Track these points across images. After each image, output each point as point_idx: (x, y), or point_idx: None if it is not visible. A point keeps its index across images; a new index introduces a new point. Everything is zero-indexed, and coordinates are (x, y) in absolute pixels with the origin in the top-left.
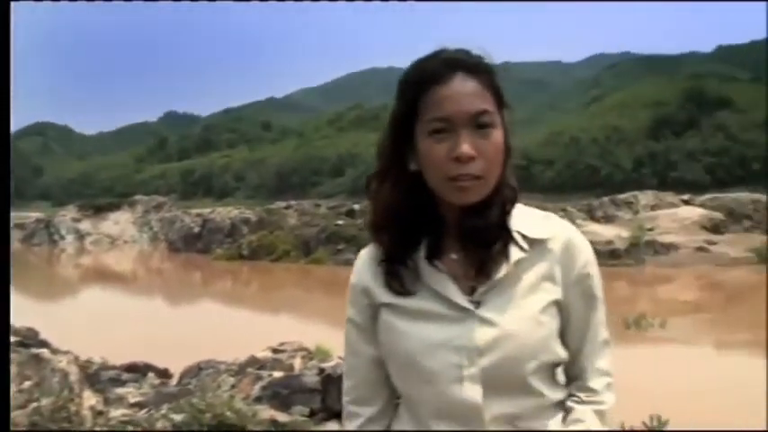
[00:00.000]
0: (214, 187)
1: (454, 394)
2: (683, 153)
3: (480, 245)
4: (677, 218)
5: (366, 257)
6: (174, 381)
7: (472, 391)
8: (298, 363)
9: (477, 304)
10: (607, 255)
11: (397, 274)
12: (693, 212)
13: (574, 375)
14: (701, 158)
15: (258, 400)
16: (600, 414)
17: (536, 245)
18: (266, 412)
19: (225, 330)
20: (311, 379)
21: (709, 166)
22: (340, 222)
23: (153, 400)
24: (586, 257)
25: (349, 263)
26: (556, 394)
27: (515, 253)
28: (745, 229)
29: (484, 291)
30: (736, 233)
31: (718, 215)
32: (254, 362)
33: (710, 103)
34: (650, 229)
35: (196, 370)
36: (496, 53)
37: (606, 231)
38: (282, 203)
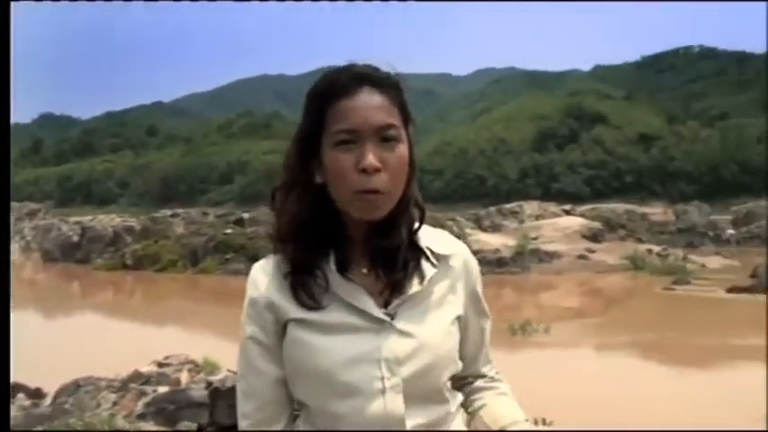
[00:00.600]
0: (94, 194)
1: (377, 407)
2: (565, 165)
3: (391, 263)
4: (559, 227)
5: (267, 270)
6: (47, 401)
7: (395, 402)
8: (184, 376)
9: (392, 317)
10: (494, 263)
11: (306, 286)
12: (574, 222)
13: (469, 378)
14: (580, 171)
15: (142, 417)
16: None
17: (442, 261)
18: (150, 429)
19: (106, 344)
20: (199, 393)
21: (588, 179)
22: (229, 231)
23: (23, 423)
24: (478, 274)
25: (238, 272)
26: (456, 401)
27: (428, 269)
28: (621, 237)
29: (398, 304)
30: (613, 242)
31: (597, 225)
32: (137, 377)
33: (589, 118)
34: (534, 238)
35: (73, 388)
36: (388, 62)
37: (493, 240)
38: (168, 211)
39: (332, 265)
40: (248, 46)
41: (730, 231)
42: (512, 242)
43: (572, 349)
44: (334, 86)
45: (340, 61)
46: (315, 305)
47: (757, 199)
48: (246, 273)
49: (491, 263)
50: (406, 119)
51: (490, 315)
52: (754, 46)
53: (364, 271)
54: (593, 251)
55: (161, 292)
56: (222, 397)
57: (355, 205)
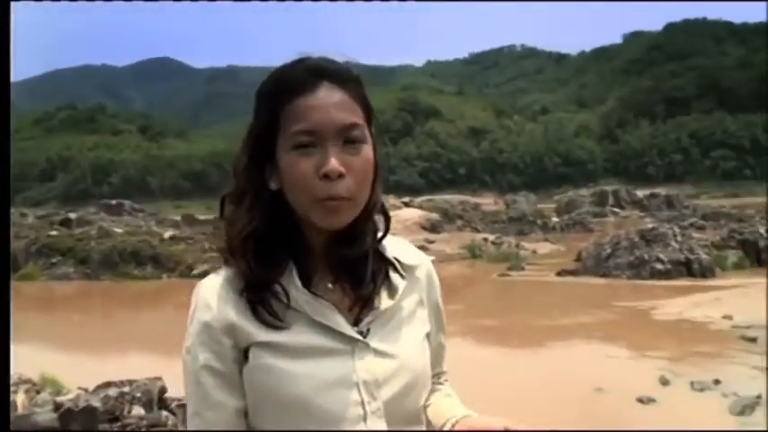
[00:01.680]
0: None
1: None
2: (400, 158)
3: (357, 275)
4: (399, 219)
5: (219, 289)
6: None
7: (376, 426)
8: (20, 398)
9: (363, 334)
10: None
11: (266, 303)
12: (414, 214)
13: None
14: (415, 163)
15: None
16: None
17: (408, 272)
18: None
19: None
20: (45, 416)
21: (423, 171)
22: (53, 233)
23: None
24: (439, 286)
25: (66, 277)
26: (424, 417)
27: (398, 281)
28: (458, 227)
29: (370, 321)
30: (451, 232)
31: (435, 216)
32: None
33: (422, 112)
34: None
35: None
36: (226, 58)
37: None
38: None
39: (295, 280)
40: (67, 34)
41: (555, 219)
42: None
43: None
44: (288, 82)
45: (173, 54)
46: (279, 324)
47: (576, 188)
48: (77, 277)
49: None
50: (369, 117)
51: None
52: (570, 46)
53: (329, 285)
54: (433, 242)
55: None
56: (75, 418)
57: (317, 213)
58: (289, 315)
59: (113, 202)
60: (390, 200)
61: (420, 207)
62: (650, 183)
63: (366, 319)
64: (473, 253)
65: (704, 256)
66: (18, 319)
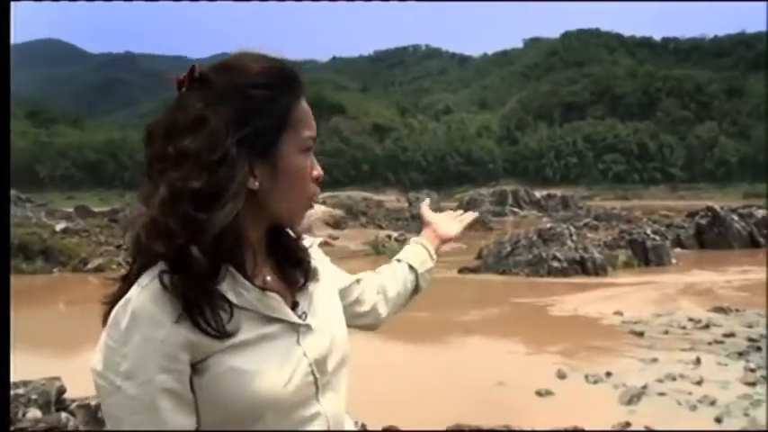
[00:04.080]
0: None
1: (314, 410)
2: None
3: (290, 264)
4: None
5: (162, 301)
6: None
7: (330, 399)
8: None
9: (301, 317)
10: None
11: (214, 314)
12: (317, 210)
13: (368, 289)
14: (319, 159)
15: None
16: None
17: (310, 252)
18: None
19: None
20: None
21: (327, 167)
22: None
23: None
24: (324, 254)
25: None
26: None
27: (314, 264)
28: (362, 224)
29: (305, 303)
30: (354, 228)
31: (339, 212)
32: None
33: (327, 108)
34: None
35: None
36: (121, 43)
37: None
38: None
39: (240, 279)
40: None
41: None
42: None
43: None
44: (295, 83)
45: (60, 35)
46: (228, 331)
47: (477, 187)
48: None
49: None
50: None
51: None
52: (473, 49)
53: (268, 278)
54: (336, 238)
55: None
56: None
57: (301, 213)
58: (237, 315)
59: None
60: None
61: (323, 203)
62: (547, 184)
63: (303, 303)
64: (377, 249)
65: (597, 255)
66: None
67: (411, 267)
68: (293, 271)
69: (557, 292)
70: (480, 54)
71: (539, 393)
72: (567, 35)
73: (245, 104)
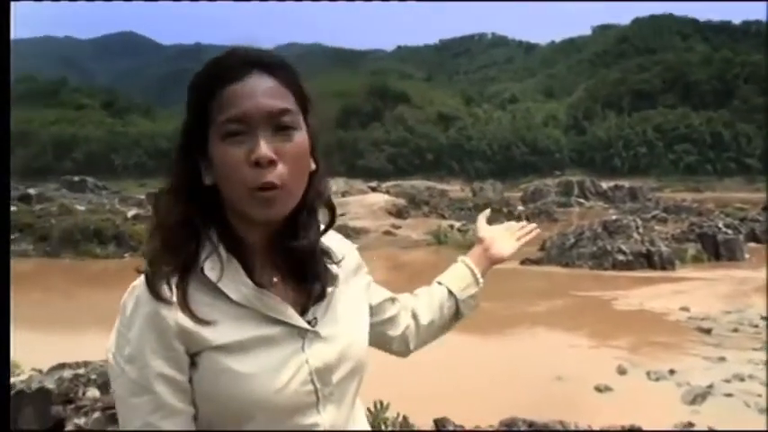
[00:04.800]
0: None
1: (312, 420)
2: (369, 142)
3: (302, 268)
4: (366, 203)
5: (166, 289)
6: None
7: (327, 411)
8: None
9: (310, 323)
10: None
11: (205, 303)
12: (380, 199)
13: (403, 313)
14: (384, 148)
15: None
16: None
17: (342, 260)
18: None
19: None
20: None
21: (391, 156)
22: (13, 209)
23: None
24: (364, 265)
25: (25, 254)
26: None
27: (335, 269)
28: (424, 213)
29: (315, 310)
30: (416, 218)
31: (402, 201)
32: None
33: (392, 97)
34: (342, 215)
35: None
36: (193, 35)
37: None
38: None
39: (242, 277)
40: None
41: (520, 207)
42: (319, 219)
43: None
44: (218, 72)
45: (136, 28)
46: (210, 320)
47: (542, 177)
48: (36, 255)
49: None
50: (305, 106)
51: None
52: (540, 37)
53: (275, 279)
54: (399, 227)
55: None
56: (28, 401)
57: (251, 205)
58: (233, 313)
59: (76, 178)
60: (357, 184)
61: (387, 192)
62: (615, 174)
63: (313, 308)
64: (439, 239)
65: (664, 249)
66: None
67: (450, 292)
68: (306, 275)
69: (621, 286)
70: (547, 42)
71: (598, 389)
72: (638, 21)
73: (187, 105)
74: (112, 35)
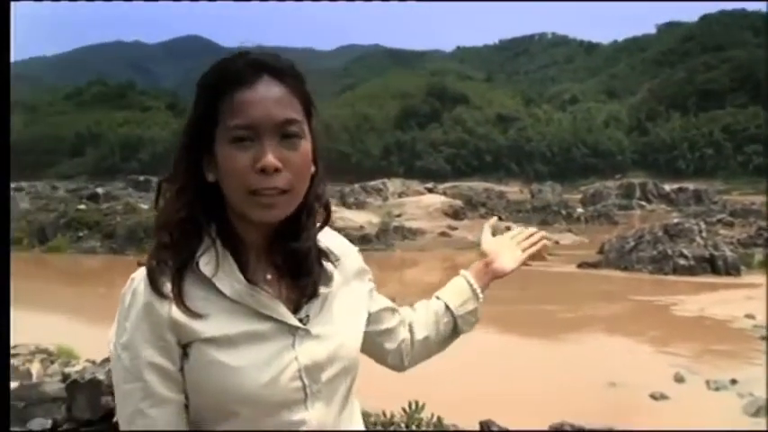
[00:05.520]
0: None
1: (300, 416)
2: (427, 143)
3: (297, 267)
4: (422, 204)
5: (162, 282)
6: None
7: (318, 408)
8: (36, 367)
9: (302, 321)
10: (359, 240)
11: (199, 296)
12: (437, 200)
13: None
14: (442, 149)
15: None
16: None
17: (339, 261)
18: None
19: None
20: (53, 387)
21: (450, 157)
22: (82, 207)
23: None
24: (368, 269)
25: (92, 251)
26: (354, 400)
27: (332, 269)
28: (481, 215)
29: (308, 308)
30: (473, 219)
31: (458, 202)
32: None
33: (450, 98)
34: (398, 215)
35: None
36: (254, 37)
37: (357, 217)
38: (12, 185)
39: (236, 273)
40: (98, 11)
41: (580, 210)
42: (376, 219)
43: None
44: (228, 75)
45: (200, 31)
46: (203, 313)
47: (603, 180)
48: (102, 251)
49: (355, 240)
50: (309, 112)
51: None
52: (600, 36)
53: (268, 277)
54: (455, 228)
55: None
56: (81, 390)
57: (251, 207)
58: (226, 307)
59: (141, 178)
60: (414, 185)
61: (444, 193)
62: (679, 177)
63: (305, 307)
64: None
65: (729, 254)
66: (44, 289)
67: (447, 308)
68: (301, 275)
69: (682, 291)
70: (610, 41)
71: (653, 396)
72: (706, 18)
73: (193, 103)
74: (179, 39)
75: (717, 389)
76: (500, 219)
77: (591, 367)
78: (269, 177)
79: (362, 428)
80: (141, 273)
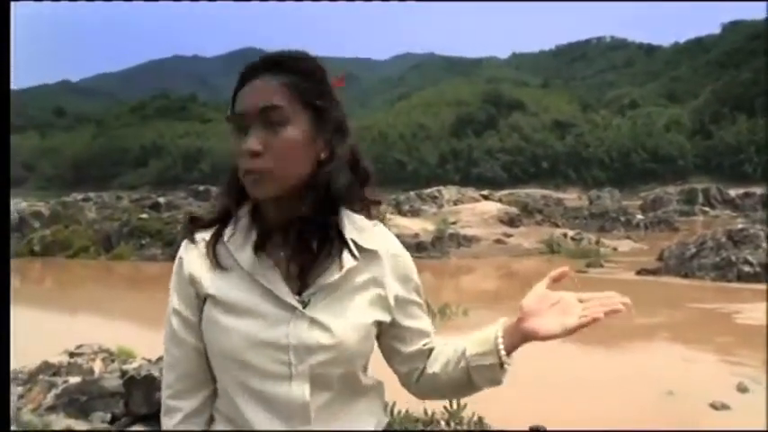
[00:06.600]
0: None
1: (282, 392)
2: (483, 151)
3: (306, 250)
4: (477, 212)
5: (193, 246)
6: None
7: (300, 389)
8: (98, 365)
9: (304, 304)
10: (414, 247)
11: (219, 253)
12: (492, 207)
13: (419, 357)
14: (498, 156)
15: (51, 409)
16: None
17: (365, 254)
18: (61, 422)
19: (11, 334)
20: (112, 382)
21: (506, 164)
22: (144, 216)
23: None
24: (412, 268)
25: (153, 258)
26: (368, 380)
27: (348, 260)
28: (537, 222)
29: (312, 292)
30: (529, 226)
31: (514, 210)
32: (46, 368)
33: (506, 105)
34: (453, 223)
35: None
36: (311, 46)
37: (412, 225)
38: (79, 195)
39: (249, 246)
40: (158, 26)
41: (639, 216)
42: (431, 227)
43: None
44: (242, 75)
45: (258, 44)
46: (223, 265)
47: (664, 185)
48: (163, 258)
49: (410, 247)
50: (306, 101)
51: (422, 302)
52: (661, 38)
53: (282, 254)
54: (510, 235)
55: (72, 278)
56: (137, 386)
57: (247, 185)
58: (238, 274)
59: (201, 187)
60: (469, 192)
61: (500, 201)
62: (746, 181)
63: (310, 290)
64: (551, 248)
65: None
66: (108, 295)
67: (464, 353)
68: (309, 256)
69: (746, 299)
70: (671, 43)
71: (713, 406)
72: None
73: None
74: (236, 52)
75: None
76: (557, 226)
77: (649, 375)
78: (252, 160)
79: (373, 421)
80: (184, 241)
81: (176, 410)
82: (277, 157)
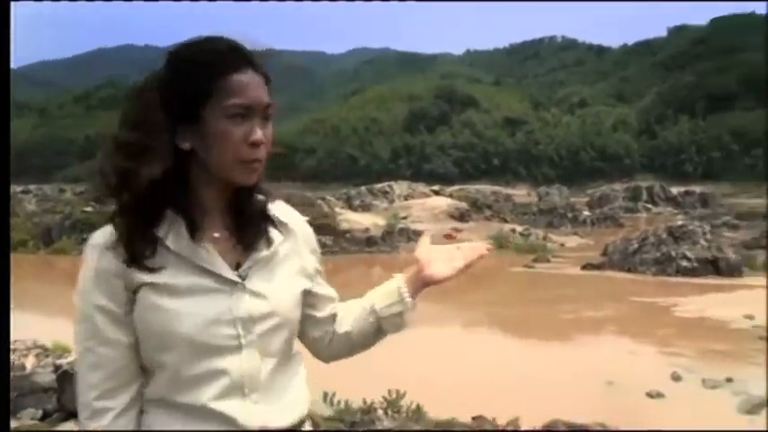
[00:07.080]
0: None
1: (235, 362)
2: (435, 146)
3: (245, 230)
4: (428, 207)
5: (110, 237)
6: None
7: (252, 357)
8: (30, 361)
9: (242, 278)
10: (364, 242)
11: (145, 252)
12: (442, 202)
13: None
14: (450, 152)
15: None
16: None
17: (284, 228)
18: None
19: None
20: (45, 378)
21: (458, 160)
22: (88, 209)
23: None
24: (315, 238)
25: None
26: (295, 346)
27: (275, 235)
28: (486, 217)
29: (249, 266)
30: (479, 221)
31: (464, 205)
32: None
33: (459, 101)
34: (404, 218)
35: None
36: (266, 39)
37: (363, 219)
38: (19, 188)
39: (181, 230)
40: (110, 14)
41: (586, 213)
42: (381, 221)
43: (438, 327)
44: (223, 59)
45: (211, 33)
46: (155, 267)
47: (610, 183)
48: None
49: (361, 242)
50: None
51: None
52: (611, 40)
53: (216, 235)
54: (460, 231)
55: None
56: (71, 381)
57: (239, 172)
58: (172, 260)
59: None
60: (420, 188)
61: (450, 196)
62: (687, 180)
63: (246, 264)
64: (500, 243)
65: (732, 256)
66: (49, 291)
67: (373, 307)
68: (247, 233)
69: (684, 293)
70: (620, 45)
71: (649, 395)
72: (716, 21)
73: (172, 77)
74: None
75: (713, 387)
76: (505, 221)
77: (589, 366)
78: (256, 149)
79: (304, 385)
80: (98, 232)
81: (105, 411)
82: (267, 148)
